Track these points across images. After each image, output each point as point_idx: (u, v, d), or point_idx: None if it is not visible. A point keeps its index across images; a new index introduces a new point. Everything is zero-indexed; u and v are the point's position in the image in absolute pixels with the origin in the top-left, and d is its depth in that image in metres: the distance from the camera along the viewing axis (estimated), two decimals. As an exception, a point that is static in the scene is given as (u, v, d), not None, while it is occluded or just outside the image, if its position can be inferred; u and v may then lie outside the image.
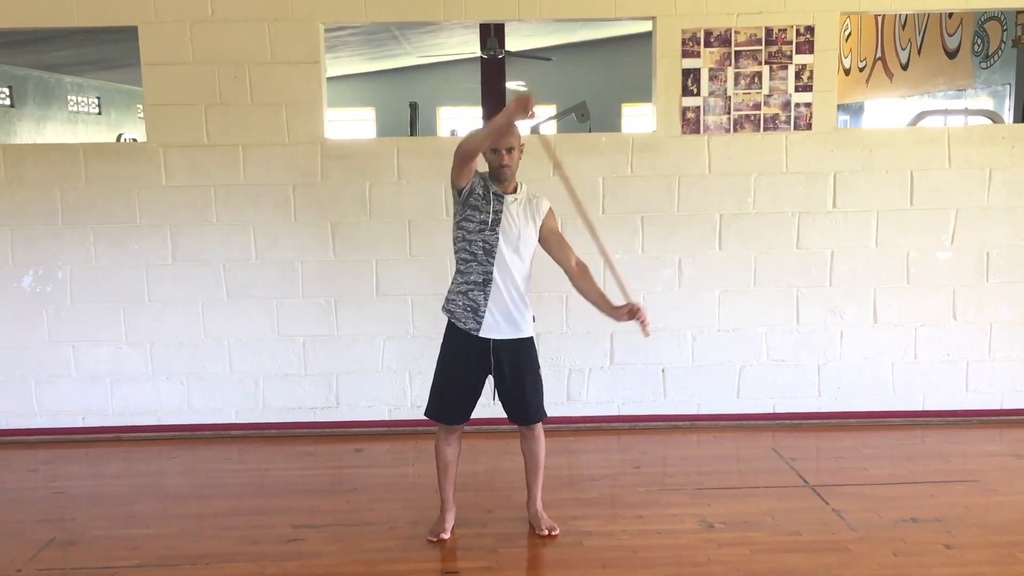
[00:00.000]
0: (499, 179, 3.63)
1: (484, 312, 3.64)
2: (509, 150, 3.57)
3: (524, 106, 3.37)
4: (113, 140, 14.09)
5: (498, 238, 3.60)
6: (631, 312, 3.65)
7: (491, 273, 3.62)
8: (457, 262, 3.72)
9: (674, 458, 4.89)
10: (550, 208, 3.75)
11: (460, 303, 3.68)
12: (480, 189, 3.63)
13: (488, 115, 10.60)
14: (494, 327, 3.66)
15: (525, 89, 17.26)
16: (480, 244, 3.62)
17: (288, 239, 5.10)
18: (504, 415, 3.86)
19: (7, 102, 12.48)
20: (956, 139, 5.15)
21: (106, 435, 5.22)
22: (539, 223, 3.70)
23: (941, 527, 3.87)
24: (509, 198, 3.64)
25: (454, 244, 3.71)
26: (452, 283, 3.74)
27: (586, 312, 5.10)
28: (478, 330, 3.66)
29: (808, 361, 5.27)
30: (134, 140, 13.08)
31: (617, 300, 3.74)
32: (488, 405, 3.83)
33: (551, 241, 3.75)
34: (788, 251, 5.17)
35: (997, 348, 5.28)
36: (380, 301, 5.16)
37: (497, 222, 3.60)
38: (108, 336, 5.16)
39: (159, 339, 5.17)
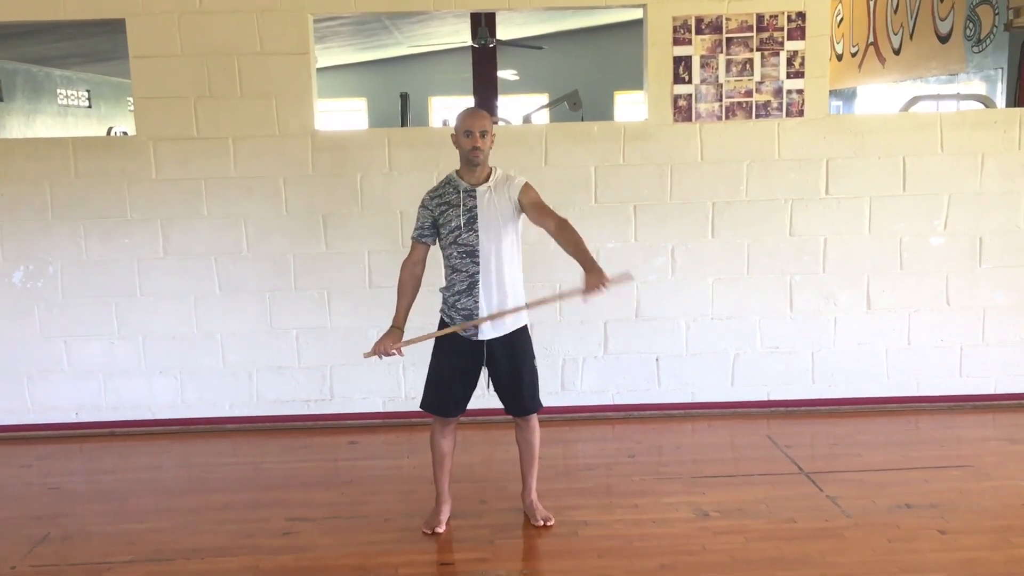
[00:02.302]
0: (471, 163, 3.59)
1: (477, 316, 3.62)
2: (483, 134, 3.55)
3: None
4: (103, 133, 14.02)
5: (477, 236, 3.57)
6: (597, 283, 3.38)
7: (476, 275, 3.60)
8: (445, 278, 3.72)
9: (669, 447, 4.89)
10: (526, 183, 3.66)
11: (457, 317, 3.67)
12: (438, 209, 3.63)
13: (479, 104, 10.58)
14: (490, 328, 3.64)
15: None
16: (457, 253, 3.61)
17: (279, 231, 5.08)
18: (498, 405, 3.85)
19: (-4, 96, 12.41)
20: (948, 124, 5.14)
21: (99, 430, 5.21)
22: (516, 200, 3.62)
23: (935, 512, 3.88)
24: (481, 189, 3.61)
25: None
26: (443, 298, 3.73)
27: (580, 302, 5.11)
28: (476, 335, 3.65)
29: (802, 348, 5.27)
30: (124, 133, 13.04)
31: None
32: (483, 396, 3.82)
33: (531, 214, 3.63)
34: (781, 238, 5.16)
35: (991, 333, 5.28)
36: (373, 293, 5.14)
37: (473, 219, 3.57)
38: (100, 331, 5.14)
39: (151, 333, 5.15)
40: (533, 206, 3.63)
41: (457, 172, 3.67)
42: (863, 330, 5.26)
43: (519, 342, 3.74)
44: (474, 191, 3.60)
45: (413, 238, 3.74)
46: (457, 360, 3.71)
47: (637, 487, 4.27)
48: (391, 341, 3.68)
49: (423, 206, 3.69)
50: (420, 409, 3.85)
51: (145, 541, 3.81)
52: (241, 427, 5.23)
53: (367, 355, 3.78)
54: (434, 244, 3.73)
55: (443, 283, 3.75)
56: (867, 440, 4.85)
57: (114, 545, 3.78)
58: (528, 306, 3.70)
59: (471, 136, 3.55)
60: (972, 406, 5.31)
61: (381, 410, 5.26)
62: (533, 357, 3.81)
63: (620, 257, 5.12)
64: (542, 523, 3.82)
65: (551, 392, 5.11)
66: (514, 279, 3.68)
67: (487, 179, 3.64)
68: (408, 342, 3.70)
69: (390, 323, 3.73)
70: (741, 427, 5.12)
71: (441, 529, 3.81)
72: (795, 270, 5.20)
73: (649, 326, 5.22)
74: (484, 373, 3.76)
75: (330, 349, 5.19)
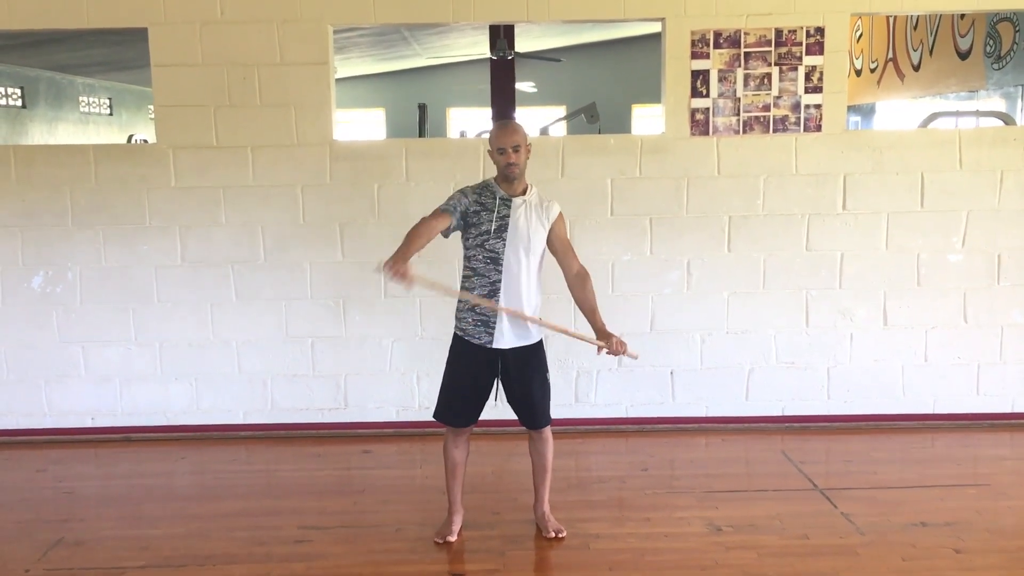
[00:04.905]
0: (507, 178, 3.63)
1: (495, 324, 3.63)
2: (515, 148, 3.58)
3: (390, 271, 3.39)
4: (124, 141, 14.13)
5: (504, 244, 3.59)
6: (613, 347, 3.68)
7: (498, 283, 3.61)
8: (462, 280, 3.72)
9: (682, 461, 4.88)
10: (560, 213, 3.75)
11: (470, 319, 3.68)
12: (474, 206, 3.63)
13: (497, 116, 10.60)
14: (506, 337, 3.65)
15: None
16: (482, 257, 3.62)
17: (296, 240, 5.11)
18: (512, 416, 3.85)
19: (19, 103, 12.53)
20: (967, 141, 5.12)
21: (115, 435, 5.24)
22: (548, 226, 3.70)
23: (951, 531, 3.85)
24: (517, 200, 3.63)
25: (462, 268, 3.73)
26: (458, 308, 3.74)
27: (588, 345, 5.10)
28: (491, 343, 3.65)
29: (817, 363, 5.25)
30: (145, 141, 13.13)
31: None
32: (496, 407, 3.82)
33: (556, 247, 3.76)
34: (797, 253, 5.15)
35: (1008, 351, 5.24)
36: (388, 302, 5.16)
37: (503, 228, 3.59)
38: (117, 336, 5.17)
39: (168, 340, 5.18)
40: (562, 241, 3.76)
41: (495, 179, 3.69)
42: (879, 346, 5.24)
43: (533, 355, 3.75)
44: (510, 200, 3.63)
45: (439, 208, 3.61)
46: (471, 371, 3.72)
47: (650, 501, 4.26)
48: (404, 265, 3.40)
49: (462, 192, 3.65)
50: (433, 419, 3.85)
51: (158, 547, 3.82)
52: (255, 434, 5.25)
53: (377, 269, 3.48)
54: (454, 231, 3.64)
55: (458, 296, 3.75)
56: (882, 457, 4.82)
57: (127, 550, 3.80)
58: (542, 322, 3.71)
59: (504, 153, 3.59)
60: (989, 424, 5.27)
61: (395, 419, 5.26)
62: (546, 371, 3.81)
63: (635, 270, 5.12)
64: (554, 535, 3.82)
65: (565, 404, 5.12)
66: (532, 294, 3.68)
67: (524, 193, 3.66)
68: (423, 278, 3.53)
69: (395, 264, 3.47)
70: (755, 442, 5.09)
71: (453, 539, 3.81)
72: (811, 285, 5.18)
73: (664, 339, 5.21)
74: (497, 384, 3.76)
75: (345, 358, 5.20)
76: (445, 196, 3.81)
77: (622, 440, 5.16)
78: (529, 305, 3.67)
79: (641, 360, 5.19)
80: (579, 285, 3.77)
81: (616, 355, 3.72)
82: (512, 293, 3.62)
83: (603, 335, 3.71)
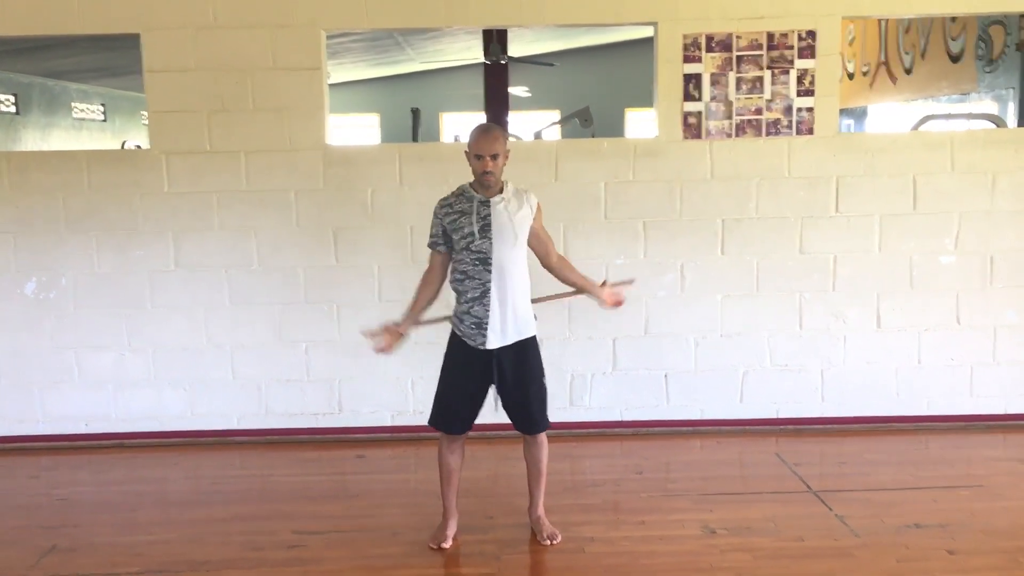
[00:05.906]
0: (483, 185, 3.63)
1: (488, 324, 3.62)
2: (494, 157, 3.57)
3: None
4: (118, 147, 14.10)
5: (491, 244, 3.59)
6: (609, 290, 3.89)
7: (488, 283, 3.61)
8: (453, 287, 3.72)
9: (677, 464, 4.88)
10: (539, 203, 3.76)
11: (468, 322, 3.67)
12: (451, 215, 3.65)
13: (491, 119, 10.61)
14: (500, 336, 3.64)
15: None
16: (470, 259, 3.61)
17: (290, 245, 5.11)
18: (507, 421, 3.85)
19: (12, 109, 12.49)
20: (959, 143, 5.13)
21: (109, 441, 5.22)
22: (534, 213, 3.71)
23: (945, 533, 3.86)
24: (495, 199, 3.64)
25: (449, 273, 3.74)
26: (455, 306, 3.74)
27: (589, 318, 5.12)
28: (485, 343, 3.64)
29: (811, 366, 5.26)
30: (138, 147, 13.10)
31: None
32: (491, 411, 3.82)
33: (537, 235, 3.76)
34: (791, 256, 5.16)
35: (1002, 353, 5.26)
36: (383, 306, 5.13)
37: (487, 227, 3.60)
38: (111, 342, 5.16)
39: (162, 345, 5.17)
40: (541, 230, 3.79)
41: (471, 185, 3.69)
42: (873, 348, 5.25)
43: (528, 356, 3.73)
44: (488, 202, 3.63)
45: (428, 246, 3.77)
46: (465, 376, 3.71)
47: (644, 504, 4.26)
48: (389, 336, 3.76)
49: (434, 214, 3.72)
50: (428, 425, 3.85)
51: (152, 553, 3.82)
52: (249, 440, 5.23)
53: (369, 334, 3.82)
54: (448, 252, 3.73)
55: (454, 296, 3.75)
56: (876, 459, 4.83)
57: (121, 556, 3.79)
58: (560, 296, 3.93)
59: (482, 160, 3.58)
60: (983, 426, 5.28)
61: (389, 424, 5.26)
62: (542, 375, 3.80)
63: (629, 273, 5.11)
64: (548, 540, 3.81)
65: (559, 407, 5.11)
66: (524, 289, 3.69)
67: (501, 191, 3.67)
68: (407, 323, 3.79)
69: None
70: (749, 444, 5.10)
71: (448, 544, 3.81)
72: (804, 288, 5.19)
73: (658, 343, 5.22)
74: (492, 390, 3.76)
75: (339, 362, 5.20)
76: (439, 199, 3.81)
77: (617, 443, 5.17)
78: (523, 300, 3.67)
79: (636, 363, 5.23)
80: (564, 268, 3.88)
81: (616, 301, 3.92)
82: (504, 291, 3.62)
83: (598, 287, 3.90)
